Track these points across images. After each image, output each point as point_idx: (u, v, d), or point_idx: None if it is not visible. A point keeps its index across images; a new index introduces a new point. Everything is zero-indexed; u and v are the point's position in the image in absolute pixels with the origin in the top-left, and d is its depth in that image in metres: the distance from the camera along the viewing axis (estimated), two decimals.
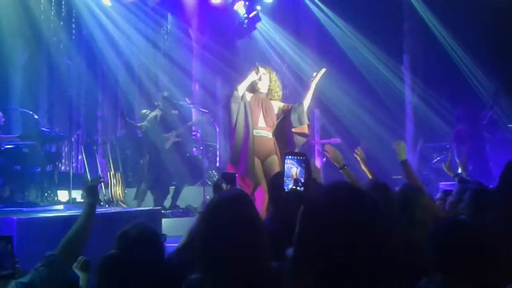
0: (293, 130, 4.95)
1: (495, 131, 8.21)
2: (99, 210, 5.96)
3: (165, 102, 7.57)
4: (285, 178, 2.56)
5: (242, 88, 4.86)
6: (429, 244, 1.85)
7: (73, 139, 9.01)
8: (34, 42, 8.31)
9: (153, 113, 7.55)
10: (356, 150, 3.85)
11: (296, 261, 1.64)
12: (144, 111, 8.15)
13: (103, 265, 2.17)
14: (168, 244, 2.65)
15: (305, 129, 4.95)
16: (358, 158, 3.85)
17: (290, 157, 2.56)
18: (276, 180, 3.00)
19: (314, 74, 4.98)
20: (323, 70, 5.01)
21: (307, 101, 4.98)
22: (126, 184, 7.88)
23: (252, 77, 4.92)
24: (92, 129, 9.25)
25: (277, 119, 5.06)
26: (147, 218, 4.77)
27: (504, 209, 1.49)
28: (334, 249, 1.50)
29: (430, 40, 9.27)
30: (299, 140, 4.99)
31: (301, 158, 2.53)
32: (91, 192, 2.59)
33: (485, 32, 8.47)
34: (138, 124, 7.68)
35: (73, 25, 9.02)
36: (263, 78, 4.96)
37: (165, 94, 7.84)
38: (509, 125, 8.02)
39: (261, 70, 4.98)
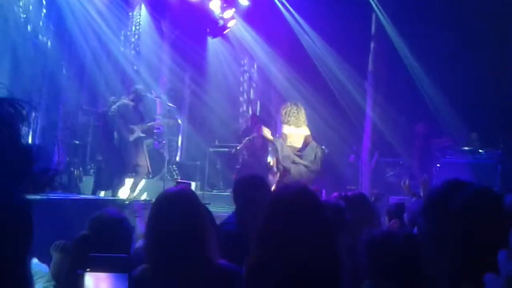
0: None
1: (446, 152, 8.66)
2: (61, 196, 5.92)
3: (136, 94, 7.55)
4: None
5: None
6: (364, 252, 2.08)
7: (31, 121, 8.77)
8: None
9: (125, 101, 7.52)
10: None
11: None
12: (112, 98, 8.03)
13: (75, 245, 2.26)
14: None
15: None
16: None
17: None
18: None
19: None
20: None
21: None
22: (84, 172, 7.80)
23: None
24: (53, 113, 9.03)
25: None
26: (108, 206, 4.80)
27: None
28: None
29: (395, 60, 9.66)
30: None
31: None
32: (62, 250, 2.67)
33: (447, 57, 8.93)
34: (106, 109, 7.57)
35: (44, 2, 8.79)
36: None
37: (138, 87, 7.80)
38: (463, 148, 8.43)
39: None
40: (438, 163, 8.44)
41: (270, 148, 6.53)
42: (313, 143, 6.15)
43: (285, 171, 5.89)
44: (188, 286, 2.03)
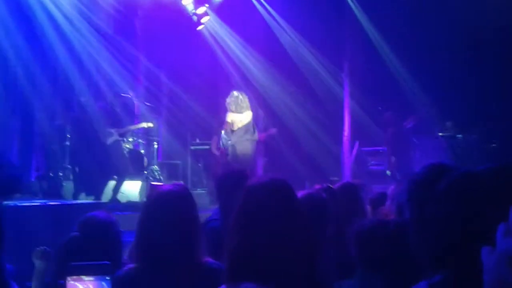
0: None
1: (423, 138, 8.80)
2: (42, 202, 5.80)
3: (116, 96, 7.50)
4: None
5: None
6: (352, 241, 2.06)
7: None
8: None
9: (103, 103, 7.45)
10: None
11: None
12: (83, 99, 7.88)
13: (64, 246, 2.21)
14: None
15: None
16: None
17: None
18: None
19: None
20: None
21: None
22: (64, 177, 7.67)
23: None
24: (29, 117, 8.79)
25: None
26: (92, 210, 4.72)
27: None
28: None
29: (369, 49, 9.74)
30: None
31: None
32: (43, 256, 2.55)
33: (418, 43, 9.05)
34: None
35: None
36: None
37: (119, 90, 7.75)
38: (439, 134, 8.54)
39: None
40: (415, 149, 8.58)
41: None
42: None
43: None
44: (175, 285, 2.00)
